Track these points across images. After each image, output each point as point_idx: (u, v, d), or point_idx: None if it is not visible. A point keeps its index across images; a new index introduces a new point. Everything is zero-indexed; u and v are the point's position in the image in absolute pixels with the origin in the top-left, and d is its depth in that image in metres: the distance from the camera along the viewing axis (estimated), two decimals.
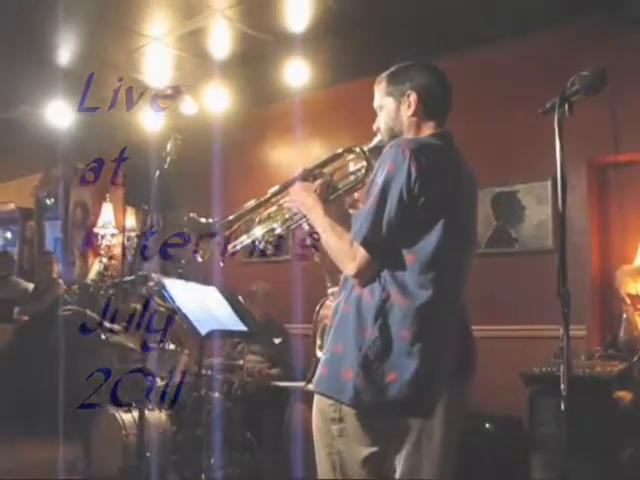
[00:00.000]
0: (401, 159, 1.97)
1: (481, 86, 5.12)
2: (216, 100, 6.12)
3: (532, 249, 4.87)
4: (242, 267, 5.82)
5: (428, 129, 2.17)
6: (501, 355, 4.44)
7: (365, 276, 2.02)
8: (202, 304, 4.03)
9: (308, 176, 2.32)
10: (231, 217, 2.37)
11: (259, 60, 5.52)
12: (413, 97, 2.17)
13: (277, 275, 5.86)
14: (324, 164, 2.34)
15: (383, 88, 2.24)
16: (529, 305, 4.70)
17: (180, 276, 4.58)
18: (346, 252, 2.04)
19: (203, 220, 2.39)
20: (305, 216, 2.25)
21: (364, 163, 2.29)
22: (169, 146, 3.67)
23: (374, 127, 2.28)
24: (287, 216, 2.35)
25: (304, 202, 2.24)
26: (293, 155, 6.31)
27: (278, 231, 2.35)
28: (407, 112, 2.18)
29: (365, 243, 2.00)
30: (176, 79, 6.02)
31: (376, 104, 2.26)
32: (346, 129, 5.83)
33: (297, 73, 5.59)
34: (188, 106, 6.25)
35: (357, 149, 2.31)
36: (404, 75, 2.21)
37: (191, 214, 2.40)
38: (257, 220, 2.39)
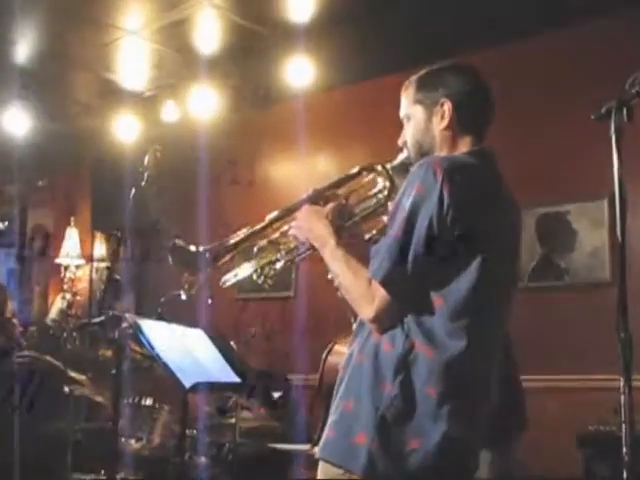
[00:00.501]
0: (432, 181, 1.97)
1: (520, 87, 5.14)
2: (203, 104, 6.18)
3: (585, 282, 4.88)
4: (235, 305, 5.86)
5: (464, 145, 2.18)
6: (550, 411, 4.44)
7: (385, 321, 2.02)
8: (186, 351, 4.01)
9: (318, 198, 2.33)
10: (224, 244, 2.38)
11: (254, 56, 5.58)
12: (447, 106, 2.18)
13: (278, 315, 5.86)
14: (338, 184, 2.36)
15: (411, 95, 2.25)
16: (582, 350, 4.69)
17: (160, 316, 4.57)
18: (363, 292, 2.05)
19: (191, 248, 2.39)
20: (313, 246, 2.28)
21: (386, 184, 2.31)
22: (147, 159, 3.70)
23: (399, 142, 2.29)
24: (292, 246, 2.36)
25: (313, 229, 2.25)
26: (296, 169, 6.35)
27: (281, 264, 2.38)
28: (440, 124, 2.19)
29: (386, 282, 2.00)
30: (156, 79, 6.07)
31: (402, 114, 2.28)
32: (360, 139, 5.87)
33: (299, 72, 5.65)
34: (169, 111, 6.32)
35: (379, 167, 2.32)
36: (437, 79, 2.22)
37: (176, 240, 2.41)
38: (255, 249, 2.40)
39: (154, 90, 6.32)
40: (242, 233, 2.40)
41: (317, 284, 5.27)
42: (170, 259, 2.38)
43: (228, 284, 2.42)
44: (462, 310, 1.97)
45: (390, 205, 2.19)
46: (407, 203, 2.00)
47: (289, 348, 5.20)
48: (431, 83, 2.22)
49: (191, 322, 4.29)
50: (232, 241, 2.39)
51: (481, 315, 2.00)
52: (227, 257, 2.38)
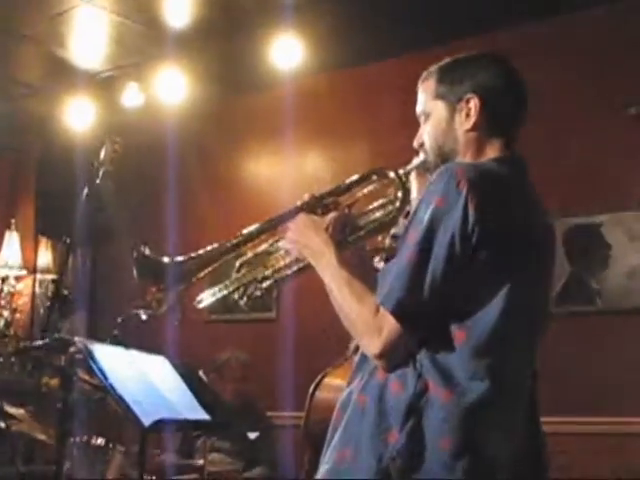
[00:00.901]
0: (455, 193, 1.97)
1: (546, 78, 5.09)
2: (172, 87, 6.15)
3: (621, 307, 4.88)
4: (206, 328, 5.83)
5: (493, 150, 2.20)
6: (580, 459, 4.45)
7: (394, 357, 2.02)
8: (146, 382, 3.99)
9: (316, 206, 2.33)
10: (202, 256, 2.35)
11: (233, 33, 5.56)
12: (474, 103, 2.19)
13: (257, 340, 5.85)
14: (340, 191, 2.36)
15: (431, 88, 2.25)
16: (618, 388, 4.69)
17: (115, 340, 4.54)
18: (368, 322, 2.04)
19: (162, 259, 2.37)
20: (309, 264, 2.27)
21: (399, 194, 2.31)
22: (103, 152, 3.66)
23: (415, 143, 2.30)
24: (282, 263, 2.36)
25: (309, 244, 2.25)
26: (281, 167, 6.36)
27: (268, 282, 2.37)
28: (464, 124, 2.20)
29: (398, 311, 1.98)
30: (115, 57, 6.03)
31: (419, 109, 2.29)
32: (357, 132, 5.89)
33: (286, 52, 5.63)
34: (131, 96, 6.28)
35: (391, 173, 2.32)
36: (463, 70, 2.23)
37: (142, 247, 2.38)
38: (238, 264, 2.39)
39: (113, 70, 6.25)
40: (223, 244, 2.37)
41: (304, 303, 5.28)
42: (135, 271, 2.35)
43: (204, 304, 2.40)
44: (488, 345, 1.97)
45: (402, 220, 2.20)
46: (424, 217, 1.99)
47: (270, 380, 5.16)
48: (455, 75, 2.23)
49: (153, 347, 4.27)
50: (211, 253, 2.37)
51: (509, 351, 2.01)
52: (205, 271, 2.35)
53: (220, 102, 6.57)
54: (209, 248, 2.36)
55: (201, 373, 4.52)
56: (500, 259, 1.98)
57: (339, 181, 2.37)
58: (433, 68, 2.27)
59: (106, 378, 3.78)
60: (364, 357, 2.13)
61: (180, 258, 2.36)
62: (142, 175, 6.14)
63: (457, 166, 2.08)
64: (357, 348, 3.04)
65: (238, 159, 6.70)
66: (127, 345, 4.23)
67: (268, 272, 2.37)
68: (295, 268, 2.34)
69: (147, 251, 2.38)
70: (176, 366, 4.23)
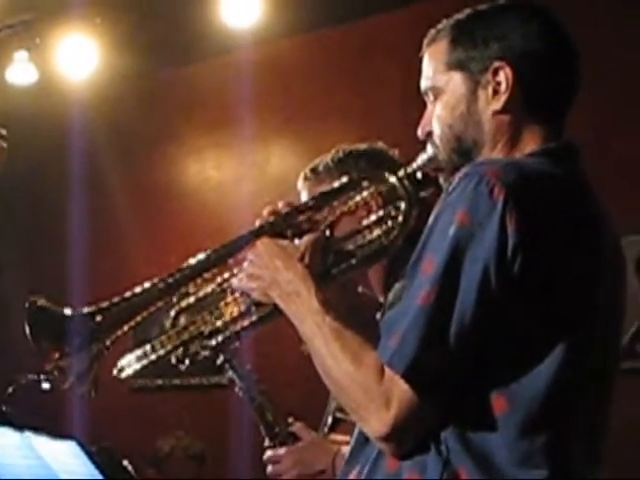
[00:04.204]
0: (487, 206, 1.96)
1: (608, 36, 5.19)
2: (79, 57, 6.13)
3: None
4: (131, 399, 5.83)
5: (533, 141, 2.20)
6: None
7: (408, 438, 2.00)
8: (49, 474, 3.96)
9: (284, 227, 2.34)
10: (120, 306, 2.35)
11: None
12: (506, 74, 2.17)
13: (202, 414, 5.88)
14: (317, 204, 2.38)
15: (442, 54, 2.24)
16: None
17: (4, 418, 4.52)
18: (370, 390, 2.01)
19: (64, 311, 2.35)
20: (278, 309, 2.25)
21: (402, 205, 2.31)
22: None
23: (420, 132, 2.31)
24: (236, 310, 2.37)
25: (277, 280, 2.23)
26: (236, 165, 6.41)
27: (219, 338, 2.38)
28: (493, 104, 2.19)
29: (412, 374, 1.96)
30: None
31: (426, 85, 2.29)
32: (343, 114, 5.91)
33: (240, 7, 5.63)
34: (21, 68, 6.26)
35: (390, 177, 2.33)
36: (487, 29, 2.22)
37: (37, 300, 2.35)
38: (173, 312, 2.40)
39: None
40: (152, 285, 2.36)
41: (267, 363, 5.23)
42: (27, 329, 2.32)
43: (127, 373, 2.40)
44: (542, 419, 1.97)
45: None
46: (444, 242, 1.98)
47: (221, 468, 5.14)
48: (477, 34, 2.22)
49: (59, 427, 4.23)
50: (135, 299, 2.36)
51: (571, 424, 2.02)
52: (125, 327, 2.36)
53: (146, 78, 6.64)
54: (131, 293, 2.35)
55: (126, 463, 4.50)
56: (556, 299, 1.98)
57: None
58: (444, 24, 2.27)
59: None
60: (362, 437, 2.14)
61: (89, 309, 2.35)
62: (36, 181, 6.12)
63: (487, 166, 2.06)
64: (335, 421, 3.11)
65: (172, 156, 6.75)
66: (20, 425, 4.21)
67: (218, 323, 2.37)
68: (256, 317, 2.34)
69: (42, 301, 2.36)
70: (91, 453, 4.22)
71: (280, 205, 2.36)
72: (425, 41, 2.28)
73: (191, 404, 6.05)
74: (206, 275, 2.37)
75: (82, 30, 6.06)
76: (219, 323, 2.38)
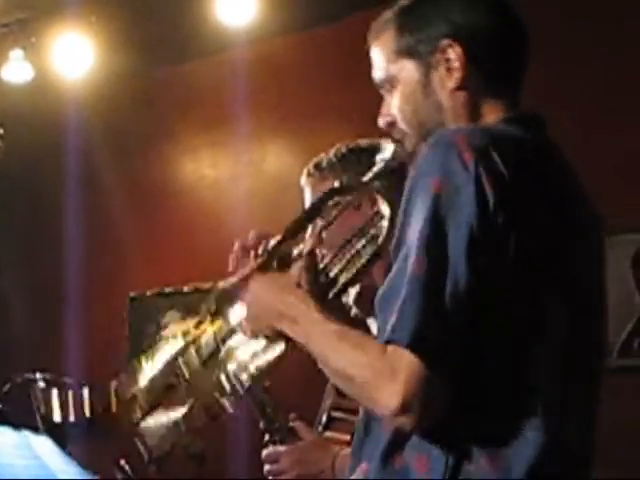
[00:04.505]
0: (459, 170, 1.95)
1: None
2: (75, 56, 6.12)
3: None
4: None
5: (494, 112, 2.19)
6: None
7: (422, 410, 1.95)
8: (46, 476, 3.95)
9: (268, 265, 2.35)
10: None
11: None
12: (455, 51, 2.17)
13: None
14: (293, 232, 2.36)
15: (390, 43, 2.25)
16: None
17: (2, 418, 4.50)
18: (375, 367, 1.99)
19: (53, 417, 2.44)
20: (283, 335, 2.23)
21: (382, 207, 2.27)
22: None
23: (381, 122, 2.31)
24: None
25: (282, 311, 2.22)
26: (231, 164, 6.40)
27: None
28: (447, 82, 2.19)
29: (416, 342, 1.93)
30: None
31: (379, 77, 2.29)
32: (339, 112, 5.90)
33: (235, 6, 5.64)
34: (17, 67, 6.24)
35: (350, 184, 2.32)
36: (430, 10, 2.23)
37: (50, 414, 2.45)
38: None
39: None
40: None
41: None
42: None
43: None
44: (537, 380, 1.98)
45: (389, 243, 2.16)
46: (422, 211, 1.96)
47: (221, 468, 5.20)
48: (420, 18, 2.23)
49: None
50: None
51: (556, 403, 2.00)
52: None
53: (142, 76, 6.61)
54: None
55: (122, 463, 4.48)
56: (538, 254, 1.98)
57: None
58: (388, 15, 2.26)
59: None
60: (362, 432, 2.16)
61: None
62: (32, 179, 6.09)
63: (454, 133, 2.06)
64: (329, 419, 3.12)
65: (168, 154, 6.73)
66: (17, 424, 4.19)
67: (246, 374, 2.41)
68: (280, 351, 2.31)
69: (57, 417, 2.42)
70: None
71: (250, 236, 2.36)
72: (372, 33, 2.28)
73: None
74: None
75: (77, 29, 6.04)
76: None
